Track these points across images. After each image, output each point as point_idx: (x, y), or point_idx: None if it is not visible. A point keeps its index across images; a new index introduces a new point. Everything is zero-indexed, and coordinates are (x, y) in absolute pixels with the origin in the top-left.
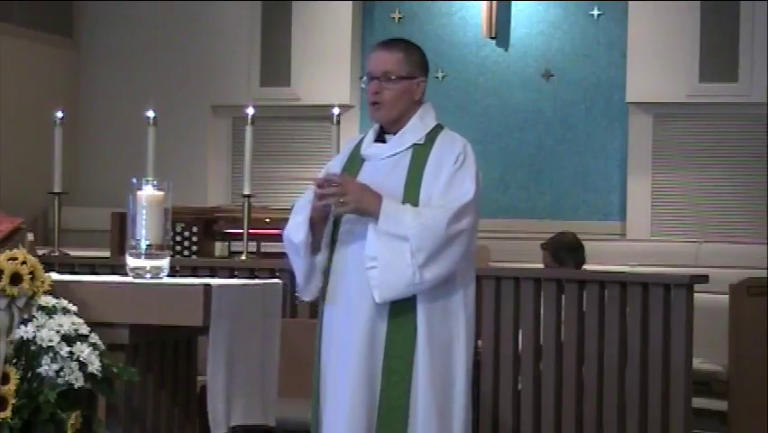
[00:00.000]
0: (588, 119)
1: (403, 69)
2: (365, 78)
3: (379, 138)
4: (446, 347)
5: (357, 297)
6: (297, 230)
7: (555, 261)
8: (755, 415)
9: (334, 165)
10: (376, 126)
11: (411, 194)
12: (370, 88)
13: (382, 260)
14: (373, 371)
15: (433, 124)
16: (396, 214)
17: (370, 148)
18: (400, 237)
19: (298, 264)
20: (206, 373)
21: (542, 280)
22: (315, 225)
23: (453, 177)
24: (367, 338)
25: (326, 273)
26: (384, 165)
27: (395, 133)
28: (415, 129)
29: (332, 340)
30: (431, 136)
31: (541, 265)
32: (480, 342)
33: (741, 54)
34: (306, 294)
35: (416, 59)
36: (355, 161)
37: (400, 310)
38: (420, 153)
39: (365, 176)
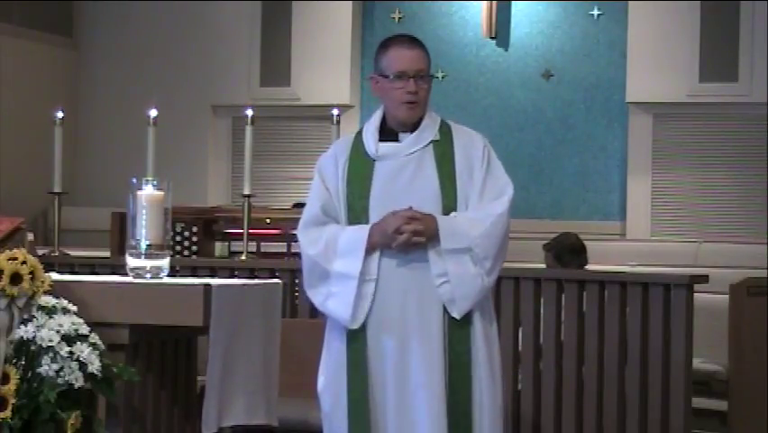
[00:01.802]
0: (588, 119)
1: (429, 67)
2: (392, 76)
3: (384, 137)
4: (489, 340)
5: (418, 310)
6: (335, 260)
7: (558, 263)
8: (755, 415)
9: (329, 167)
10: (374, 125)
11: (448, 192)
12: (407, 87)
13: (453, 276)
14: (445, 370)
15: (438, 119)
16: (454, 229)
17: (382, 148)
18: (463, 250)
19: (347, 295)
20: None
21: (542, 280)
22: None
23: (487, 176)
24: (438, 340)
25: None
26: (404, 164)
27: (412, 131)
28: (429, 126)
29: (390, 348)
30: (443, 131)
31: (541, 265)
32: None
33: (741, 54)
34: (356, 323)
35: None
36: (362, 162)
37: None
38: (441, 150)
39: (384, 176)
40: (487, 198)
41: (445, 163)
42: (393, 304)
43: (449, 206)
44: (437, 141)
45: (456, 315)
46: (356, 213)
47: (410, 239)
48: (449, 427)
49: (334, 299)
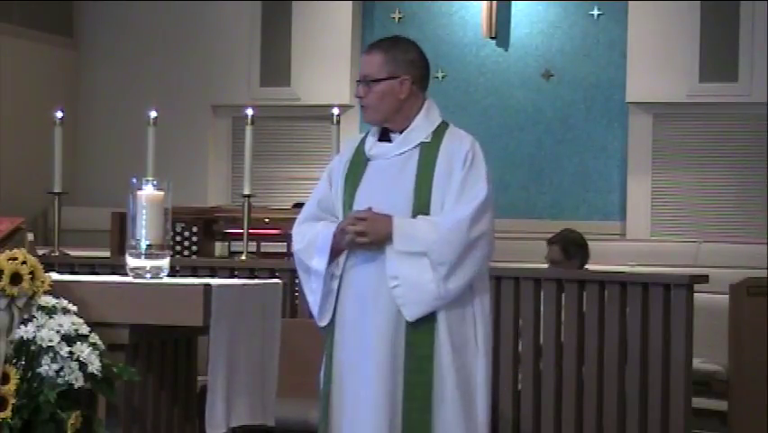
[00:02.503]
0: (588, 119)
1: (382, 71)
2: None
3: (383, 137)
4: (465, 345)
5: (374, 305)
6: (314, 257)
7: (565, 255)
8: (755, 415)
9: (337, 164)
10: (377, 126)
11: (422, 194)
12: (357, 92)
13: (405, 279)
14: (396, 378)
15: (438, 121)
16: (410, 232)
17: (375, 147)
18: (419, 254)
19: (315, 289)
20: (207, 373)
21: (542, 280)
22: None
23: (465, 179)
24: (388, 342)
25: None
26: (391, 164)
27: (401, 132)
28: (421, 127)
29: (348, 347)
30: (437, 134)
31: (541, 265)
32: None
33: (741, 54)
34: (323, 319)
35: (401, 58)
36: (359, 161)
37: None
38: (428, 152)
39: (372, 176)
40: (463, 200)
41: (427, 165)
42: (353, 302)
43: (421, 208)
44: (428, 143)
45: (408, 318)
46: (344, 210)
47: (353, 240)
48: (403, 429)
49: (312, 296)
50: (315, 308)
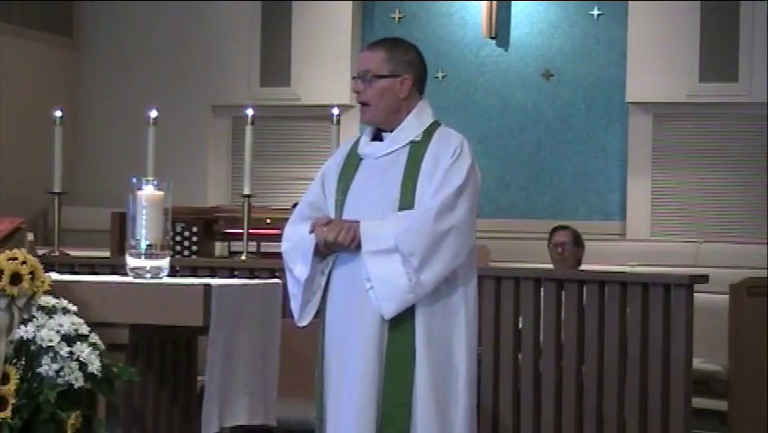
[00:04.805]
0: (588, 119)
1: (384, 68)
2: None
3: (377, 137)
4: (446, 344)
5: (359, 304)
6: (298, 263)
7: (575, 240)
8: (755, 415)
9: (331, 165)
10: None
11: (407, 192)
12: (353, 87)
13: (376, 278)
14: (379, 373)
15: (429, 121)
16: (375, 231)
17: (366, 147)
18: (387, 251)
19: (296, 294)
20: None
21: (542, 280)
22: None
23: (447, 173)
24: (371, 341)
25: (327, 283)
26: (380, 163)
27: (391, 131)
28: (411, 126)
29: (335, 345)
30: (427, 133)
31: (541, 265)
32: (480, 347)
33: (741, 54)
34: (303, 321)
35: (402, 58)
36: (352, 160)
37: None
38: (417, 151)
39: (362, 175)
40: (439, 192)
41: (414, 165)
42: (339, 301)
43: (406, 206)
44: (417, 142)
45: (385, 316)
46: (336, 209)
47: (320, 241)
48: (380, 425)
49: (293, 301)
50: (295, 312)
